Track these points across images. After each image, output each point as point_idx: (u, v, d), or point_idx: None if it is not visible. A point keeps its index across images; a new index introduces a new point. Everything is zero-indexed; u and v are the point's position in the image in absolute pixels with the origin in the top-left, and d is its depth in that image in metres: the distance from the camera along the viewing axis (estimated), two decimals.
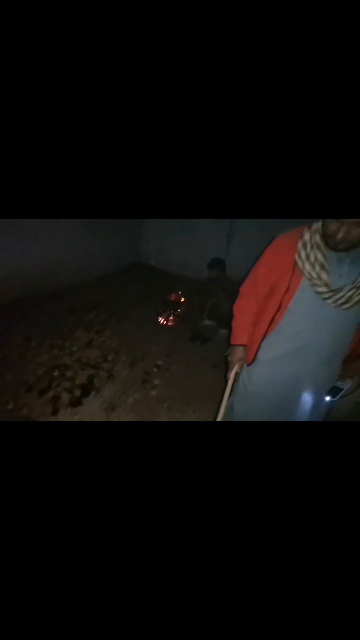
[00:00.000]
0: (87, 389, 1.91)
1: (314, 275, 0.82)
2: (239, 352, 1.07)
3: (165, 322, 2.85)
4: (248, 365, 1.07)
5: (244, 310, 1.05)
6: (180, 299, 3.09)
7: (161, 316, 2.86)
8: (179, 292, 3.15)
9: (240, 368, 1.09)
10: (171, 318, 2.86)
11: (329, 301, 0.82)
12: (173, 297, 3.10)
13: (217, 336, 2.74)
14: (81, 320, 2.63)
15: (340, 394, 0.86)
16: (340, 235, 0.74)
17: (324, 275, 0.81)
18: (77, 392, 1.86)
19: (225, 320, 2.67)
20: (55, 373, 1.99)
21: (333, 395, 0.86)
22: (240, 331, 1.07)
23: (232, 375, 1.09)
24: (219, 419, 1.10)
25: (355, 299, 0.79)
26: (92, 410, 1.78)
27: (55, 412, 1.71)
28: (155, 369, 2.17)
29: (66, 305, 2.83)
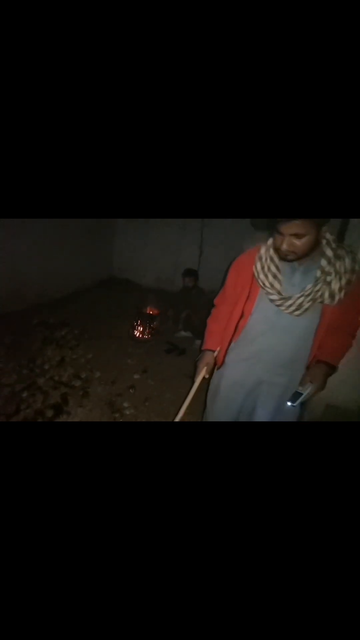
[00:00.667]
0: (59, 409, 1.82)
1: (267, 284, 0.91)
2: (206, 357, 1.13)
3: (140, 336, 2.82)
4: (218, 368, 1.14)
5: (214, 319, 1.15)
6: (155, 311, 3.09)
7: (136, 329, 2.83)
8: (154, 305, 3.15)
9: (208, 372, 1.14)
10: (147, 331, 2.84)
11: (282, 308, 0.90)
12: (148, 310, 3.09)
13: (193, 347, 2.76)
14: (52, 338, 2.53)
15: (299, 399, 0.89)
16: (284, 247, 0.82)
17: (277, 284, 0.90)
18: (49, 413, 1.77)
19: (201, 331, 2.70)
20: (25, 394, 1.89)
21: (293, 401, 0.90)
22: (210, 338, 1.15)
23: (198, 378, 1.13)
24: (178, 416, 1.12)
25: (305, 306, 0.87)
26: None
27: None
28: (131, 390, 2.11)
29: (35, 323, 2.71)
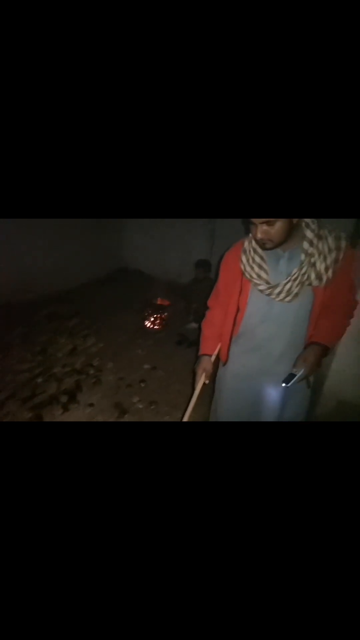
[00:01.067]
0: (73, 394, 1.87)
1: (254, 275, 0.91)
2: (203, 363, 1.12)
3: (151, 326, 2.84)
4: (223, 364, 1.14)
5: (208, 323, 1.14)
6: (166, 302, 3.10)
7: (147, 320, 2.85)
8: (164, 296, 3.16)
9: (207, 378, 1.12)
10: (157, 322, 2.86)
11: (272, 296, 0.90)
12: (159, 301, 3.10)
13: None
14: (63, 327, 2.59)
15: (293, 380, 0.89)
16: (259, 236, 0.83)
17: (263, 274, 0.90)
18: (63, 399, 1.83)
19: None
20: (40, 380, 1.95)
21: (287, 382, 0.90)
22: (205, 342, 1.14)
23: (198, 386, 1.11)
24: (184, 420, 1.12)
25: (295, 290, 0.87)
26: (78, 416, 1.75)
27: (39, 419, 1.67)
28: (142, 384, 2.15)
29: (46, 313, 2.77)
